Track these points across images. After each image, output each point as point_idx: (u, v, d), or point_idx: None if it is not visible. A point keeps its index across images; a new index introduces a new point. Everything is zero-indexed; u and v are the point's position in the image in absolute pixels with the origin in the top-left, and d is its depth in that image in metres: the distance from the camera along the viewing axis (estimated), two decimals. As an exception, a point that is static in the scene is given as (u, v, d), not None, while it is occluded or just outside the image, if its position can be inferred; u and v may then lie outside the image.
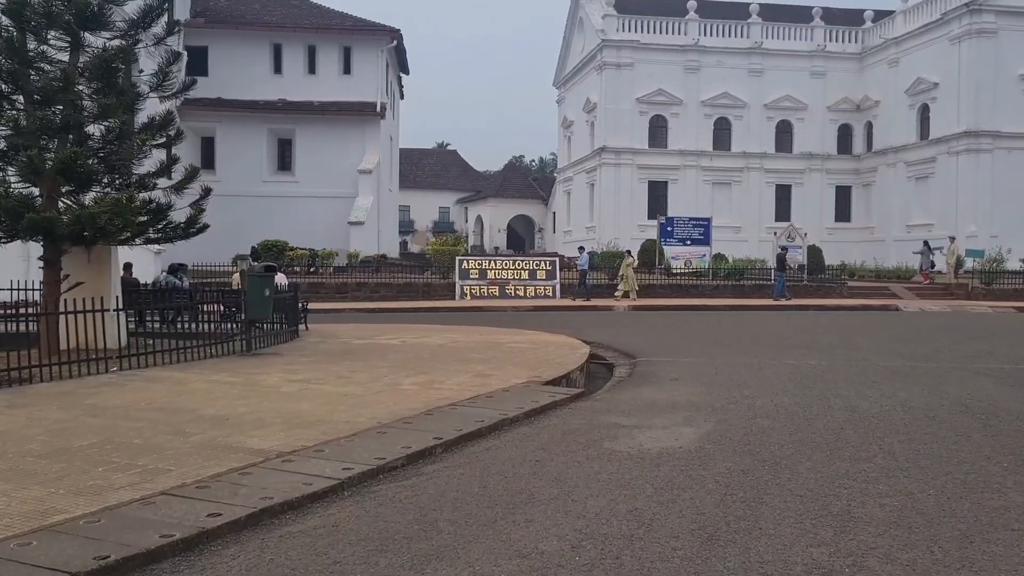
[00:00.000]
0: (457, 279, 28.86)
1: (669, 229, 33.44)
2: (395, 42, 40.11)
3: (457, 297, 28.41)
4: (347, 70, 39.08)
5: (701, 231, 33.30)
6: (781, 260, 28.78)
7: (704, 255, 32.94)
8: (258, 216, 35.58)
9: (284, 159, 39.32)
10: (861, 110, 51.09)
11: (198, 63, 36.24)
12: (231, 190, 34.79)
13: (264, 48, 38.42)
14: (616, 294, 27.67)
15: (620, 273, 28.39)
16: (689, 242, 33.10)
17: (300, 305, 16.23)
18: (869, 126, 51.08)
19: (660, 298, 27.84)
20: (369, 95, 38.32)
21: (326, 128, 38.09)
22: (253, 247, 31.38)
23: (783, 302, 26.82)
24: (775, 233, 34.13)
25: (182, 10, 35.67)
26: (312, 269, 32.10)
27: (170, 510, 4.74)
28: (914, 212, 46.56)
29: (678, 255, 32.90)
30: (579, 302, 26.82)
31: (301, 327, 15.76)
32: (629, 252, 29.39)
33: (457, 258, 29.86)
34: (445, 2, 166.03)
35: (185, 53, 34.97)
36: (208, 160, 36.87)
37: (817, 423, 7.37)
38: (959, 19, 43.32)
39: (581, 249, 30.94)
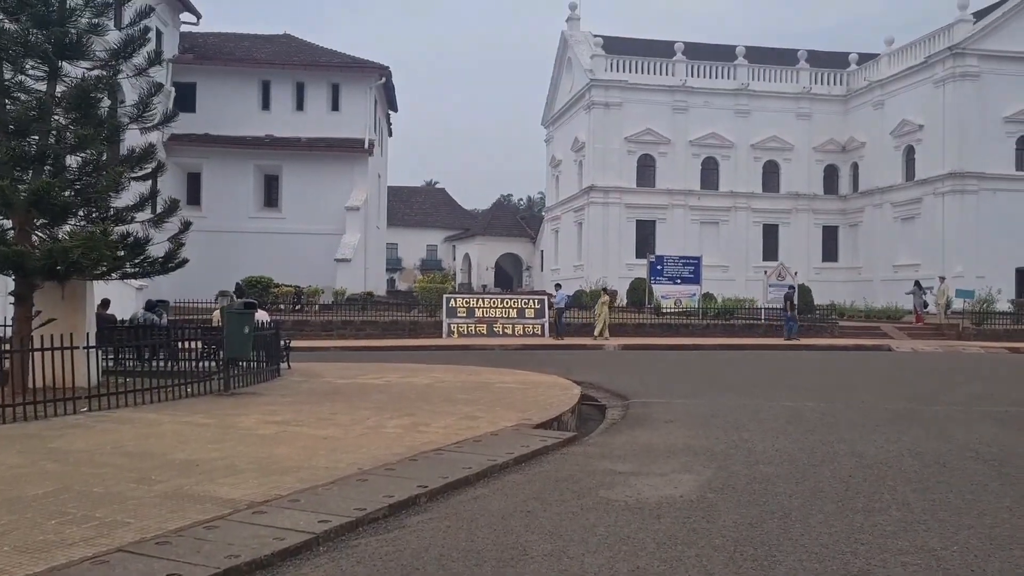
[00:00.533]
0: (444, 317, 28.49)
1: (659, 268, 33.20)
2: (384, 79, 40.09)
3: (444, 335, 28.01)
4: (335, 107, 38.98)
5: (691, 270, 33.06)
6: (789, 300, 28.51)
7: (694, 294, 32.66)
8: (244, 252, 35.19)
9: (271, 195, 39.02)
10: (847, 151, 51.41)
11: (186, 99, 36.06)
12: (217, 226, 34.43)
13: (252, 85, 38.30)
14: (604, 334, 27.26)
15: (596, 312, 28.00)
16: (679, 281, 32.84)
17: (282, 343, 15.78)
18: (855, 167, 51.36)
19: (650, 337, 27.50)
20: (357, 132, 38.18)
21: (314, 165, 37.88)
22: (238, 283, 31.00)
23: (791, 341, 26.66)
24: (765, 272, 33.97)
25: (171, 47, 35.56)
26: (298, 306, 31.62)
27: (124, 570, 4.29)
28: (900, 252, 46.63)
29: (668, 294, 32.62)
30: (565, 340, 26.42)
31: (283, 366, 15.30)
32: (605, 290, 28.94)
33: (444, 296, 29.52)
34: (434, 42, 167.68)
35: (173, 89, 34.94)
36: (194, 196, 36.54)
37: (823, 470, 6.98)
38: (943, 62, 43.78)
39: (558, 287, 30.67)
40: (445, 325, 28.36)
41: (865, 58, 51.63)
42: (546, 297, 30.62)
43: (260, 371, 13.45)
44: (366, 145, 37.95)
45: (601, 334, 27.06)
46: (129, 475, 6.46)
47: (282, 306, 31.04)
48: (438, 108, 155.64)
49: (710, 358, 21.05)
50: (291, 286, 32.01)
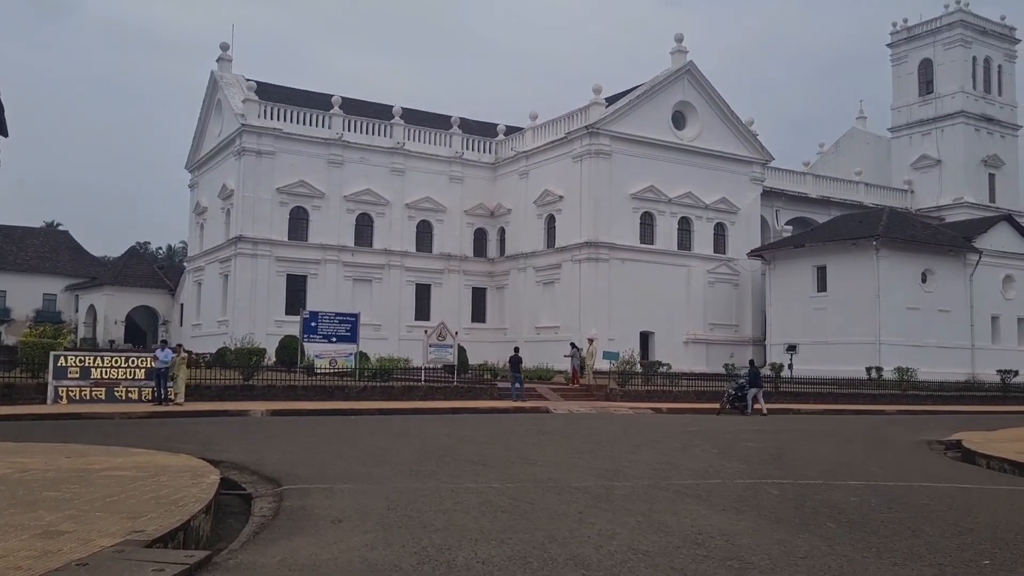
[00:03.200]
0: (51, 379, 23.72)
1: (313, 325, 30.93)
2: (-14, 96, 33.64)
3: (49, 401, 23.30)
4: (-84, 121, 31.84)
5: (348, 328, 31.23)
6: (515, 363, 28.13)
7: (351, 354, 30.82)
8: None
9: None
10: (495, 216, 53.42)
11: None
12: None
13: None
14: (179, 398, 24.24)
15: (170, 372, 24.84)
16: (335, 339, 30.81)
17: None
18: (502, 232, 53.50)
19: (303, 401, 25.06)
20: (-55, 154, 31.40)
21: None
22: None
23: (518, 404, 26.25)
24: (425, 332, 33.17)
25: None
26: None
27: None
28: (542, 315, 49.03)
29: (323, 353, 30.45)
30: (164, 408, 23.00)
31: None
32: (180, 346, 26.12)
33: (52, 353, 24.55)
34: (65, 72, 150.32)
35: None
36: None
37: (550, 593, 5.36)
38: (580, 139, 47.25)
39: (164, 344, 27.27)
40: (51, 388, 23.59)
41: (512, 130, 54.48)
42: (186, 356, 26.82)
43: None
44: (-43, 170, 31.31)
45: (176, 398, 24.14)
46: None
47: None
48: (64, 143, 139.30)
49: (372, 425, 19.19)
50: None
